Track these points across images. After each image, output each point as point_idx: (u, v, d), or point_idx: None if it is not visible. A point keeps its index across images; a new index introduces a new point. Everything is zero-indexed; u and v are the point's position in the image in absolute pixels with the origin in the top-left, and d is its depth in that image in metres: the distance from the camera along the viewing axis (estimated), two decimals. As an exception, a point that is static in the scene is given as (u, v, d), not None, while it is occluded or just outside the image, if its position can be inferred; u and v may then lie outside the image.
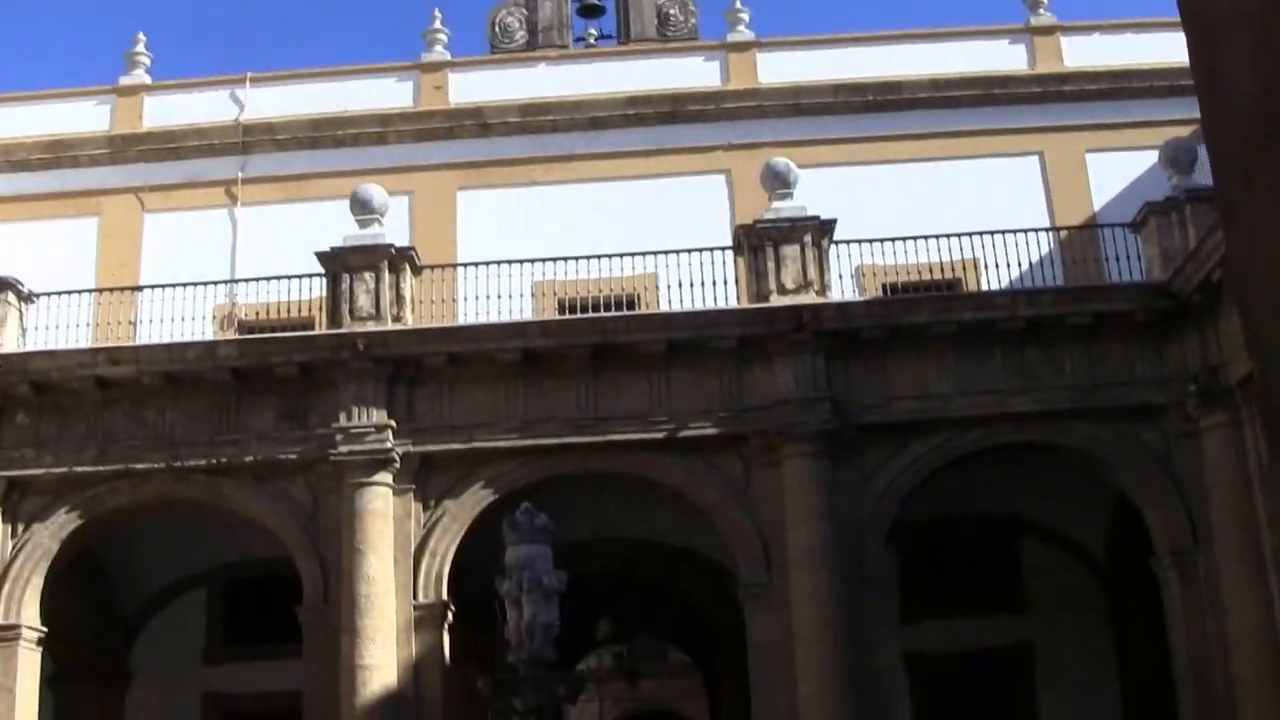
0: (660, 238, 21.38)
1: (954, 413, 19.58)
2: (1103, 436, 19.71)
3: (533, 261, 20.31)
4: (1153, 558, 19.83)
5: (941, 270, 20.86)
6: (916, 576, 25.07)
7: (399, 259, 20.11)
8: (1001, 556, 25.42)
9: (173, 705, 24.81)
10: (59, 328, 20.83)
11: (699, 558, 24.24)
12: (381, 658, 18.67)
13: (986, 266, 20.81)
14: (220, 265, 23.74)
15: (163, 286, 21.33)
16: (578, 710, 51.25)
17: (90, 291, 22.06)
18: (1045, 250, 21.69)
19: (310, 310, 20.97)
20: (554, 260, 20.33)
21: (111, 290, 22.17)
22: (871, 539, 19.30)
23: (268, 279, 20.79)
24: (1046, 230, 21.93)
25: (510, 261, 20.37)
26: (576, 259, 20.28)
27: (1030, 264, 20.94)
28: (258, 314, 22.43)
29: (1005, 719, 24.81)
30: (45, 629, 20.28)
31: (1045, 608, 24.85)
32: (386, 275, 19.99)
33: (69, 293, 21.48)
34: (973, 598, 25.06)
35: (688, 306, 20.14)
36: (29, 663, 19.88)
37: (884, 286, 21.74)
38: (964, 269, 21.09)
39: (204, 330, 21.54)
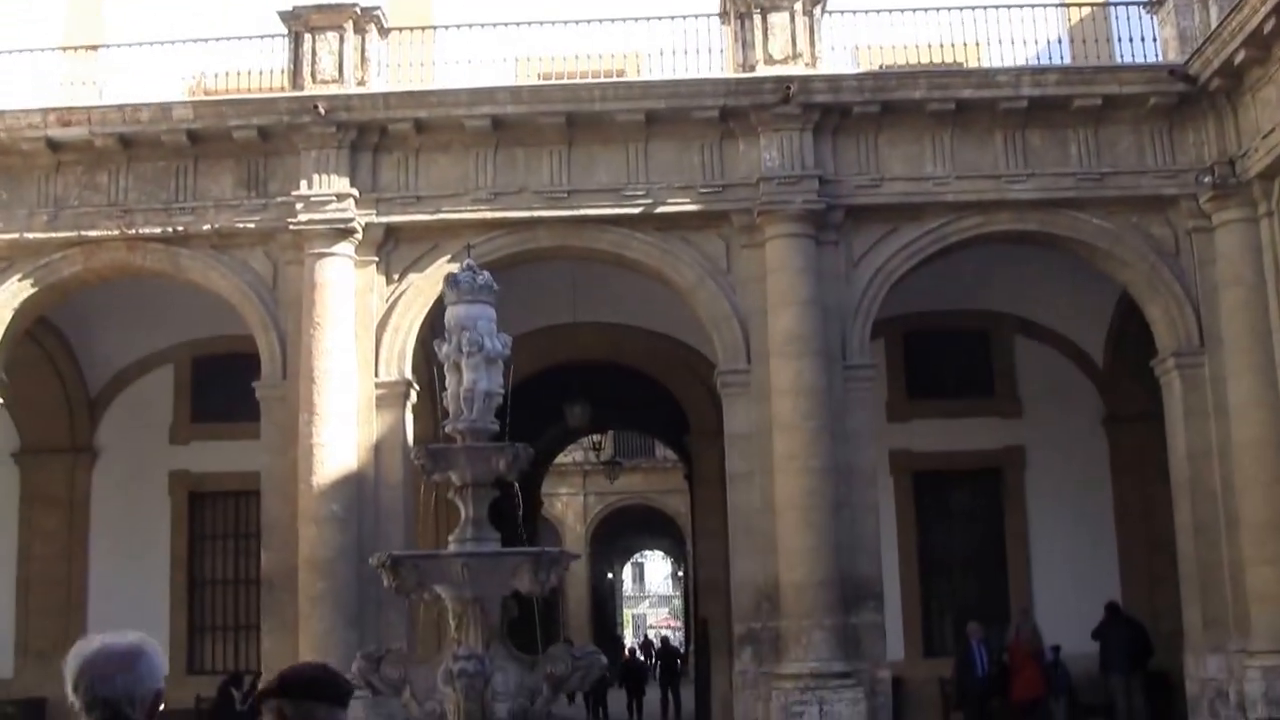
0: (648, 7, 20.05)
1: (949, 197, 18.49)
2: (1108, 229, 18.65)
3: (506, 25, 19.05)
4: (1155, 360, 18.95)
5: (942, 52, 19.61)
6: (905, 374, 24.38)
7: (364, 19, 18.86)
8: (995, 356, 24.60)
9: (140, 482, 24.30)
10: (13, 91, 19.72)
11: (679, 346, 23.45)
12: (340, 436, 17.97)
13: (990, 48, 19.49)
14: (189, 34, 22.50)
15: (122, 45, 20.19)
16: (562, 504, 51.50)
17: (46, 50, 20.88)
18: (1054, 32, 20.38)
19: (281, 81, 19.81)
20: (529, 25, 19.05)
21: (67, 50, 21.02)
22: (858, 327, 18.41)
23: (227, 39, 19.59)
24: (1056, 6, 20.54)
25: (483, 25, 19.11)
26: (554, 23, 18.98)
27: (1037, 46, 19.63)
28: (227, 90, 21.25)
29: (993, 523, 24.28)
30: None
31: (1039, 411, 24.09)
32: (351, 36, 18.77)
33: (26, 51, 20.32)
34: (964, 398, 24.32)
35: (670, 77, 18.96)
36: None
37: (880, 69, 20.47)
38: (965, 52, 19.81)
39: (171, 102, 20.40)
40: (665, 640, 45.15)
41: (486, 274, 10.78)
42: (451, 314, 10.65)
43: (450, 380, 10.34)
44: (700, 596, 28.38)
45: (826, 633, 17.61)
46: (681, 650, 44.91)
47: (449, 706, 9.33)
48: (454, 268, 18.11)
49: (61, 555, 24.43)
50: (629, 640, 52.93)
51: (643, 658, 39.55)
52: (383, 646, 9.82)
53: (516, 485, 10.24)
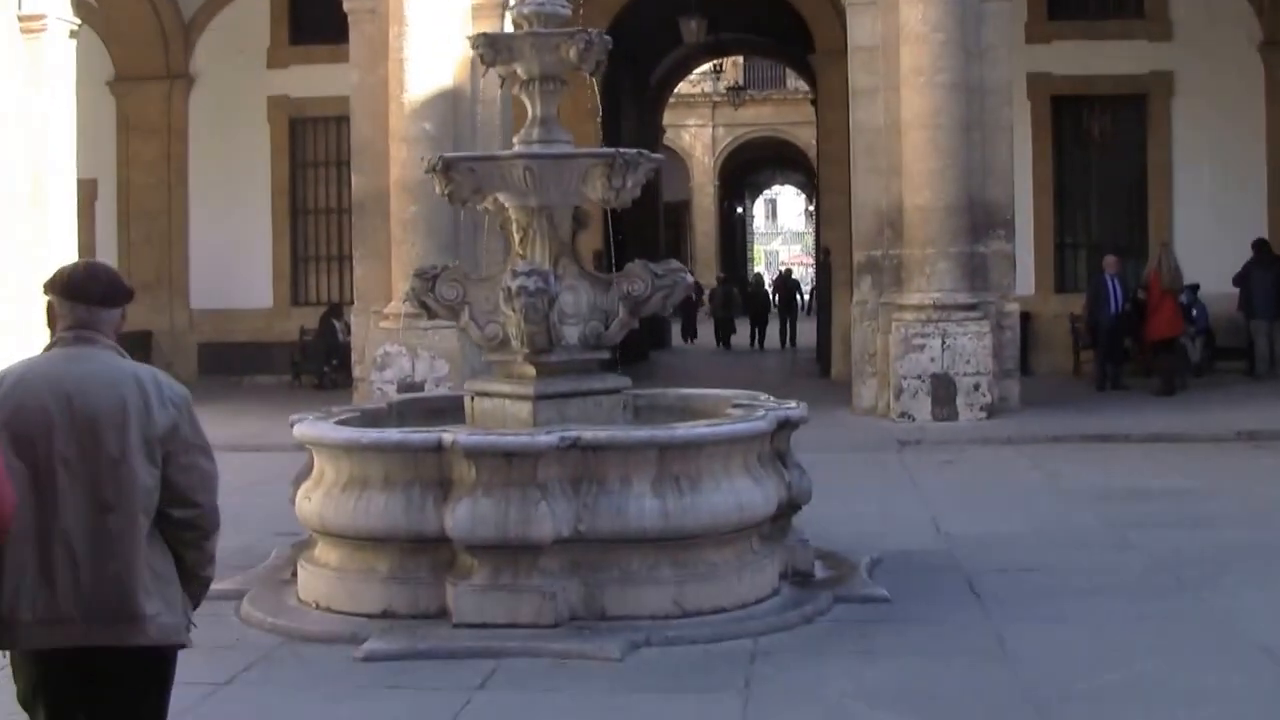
0: None
1: None
2: None
3: None
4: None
5: None
6: (1045, -12, 22.38)
7: None
8: (1147, -28, 22.42)
9: (237, 109, 23.42)
10: None
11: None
12: (432, 50, 16.72)
13: None
14: None
15: None
16: (689, 135, 50.10)
17: None
18: None
19: None
20: None
21: None
22: (995, -71, 16.54)
23: None
24: None
25: None
26: None
27: None
28: None
29: (1135, 153, 22.57)
30: (79, 21, 18.55)
31: (1191, 33, 21.99)
32: None
33: None
34: (1110, 18, 22.37)
35: None
36: (59, 54, 18.22)
37: None
38: None
39: None
40: (787, 273, 44.60)
41: None
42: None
43: (517, -39, 8.98)
44: (821, 226, 27.34)
45: (952, 262, 16.45)
46: (803, 285, 44.38)
47: (510, 330, 8.35)
48: None
49: (160, 185, 23.89)
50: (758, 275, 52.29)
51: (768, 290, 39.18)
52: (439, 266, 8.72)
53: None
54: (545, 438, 7.55)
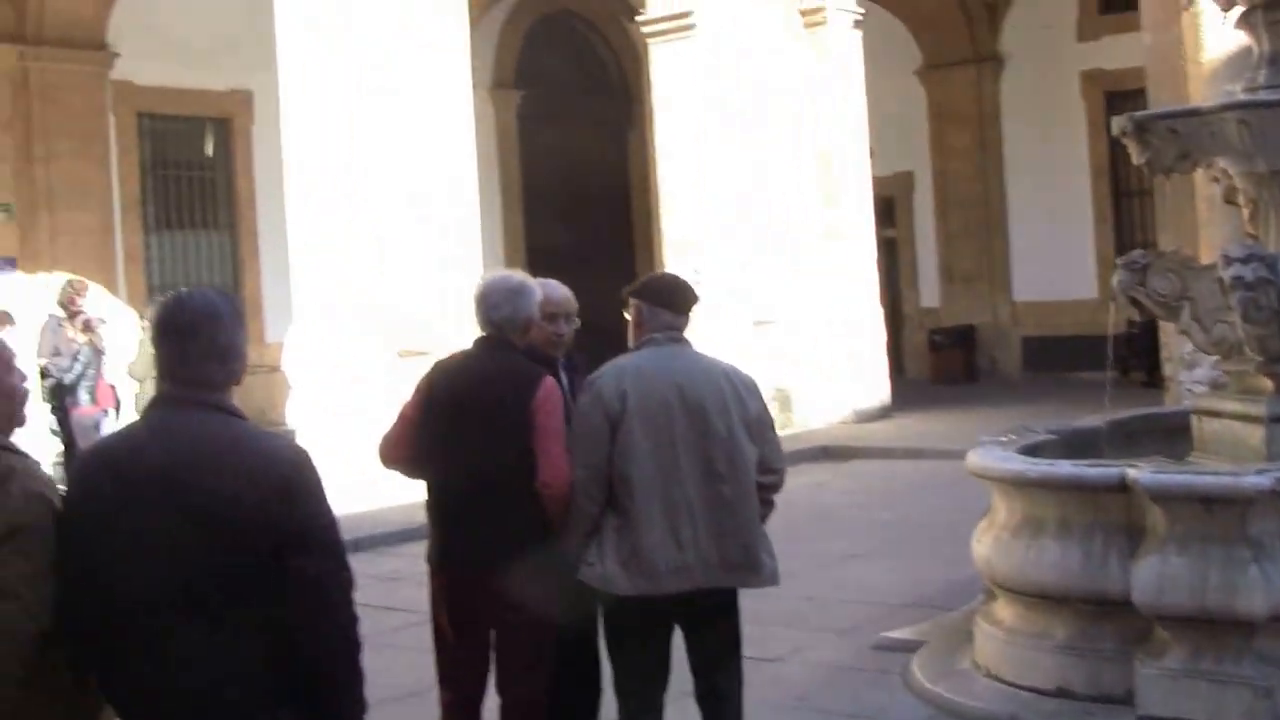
0: None
1: None
2: None
3: None
4: None
5: None
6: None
7: None
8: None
9: (1050, 87, 22.03)
10: None
11: None
12: (1230, -2, 14.49)
13: None
14: None
15: None
16: None
17: None
18: None
19: None
20: None
21: None
22: None
23: None
24: None
25: None
26: None
27: None
28: None
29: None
30: (861, 11, 18.11)
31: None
32: None
33: None
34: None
35: None
36: (846, 45, 17.87)
37: None
38: None
39: None
40: None
41: None
42: None
43: None
44: None
45: None
46: None
47: (1240, 332, 6.47)
48: None
49: (976, 173, 23.04)
50: None
51: None
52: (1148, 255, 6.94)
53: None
54: (1255, 479, 5.65)
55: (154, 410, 3.42)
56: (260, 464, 3.26)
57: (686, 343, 5.12)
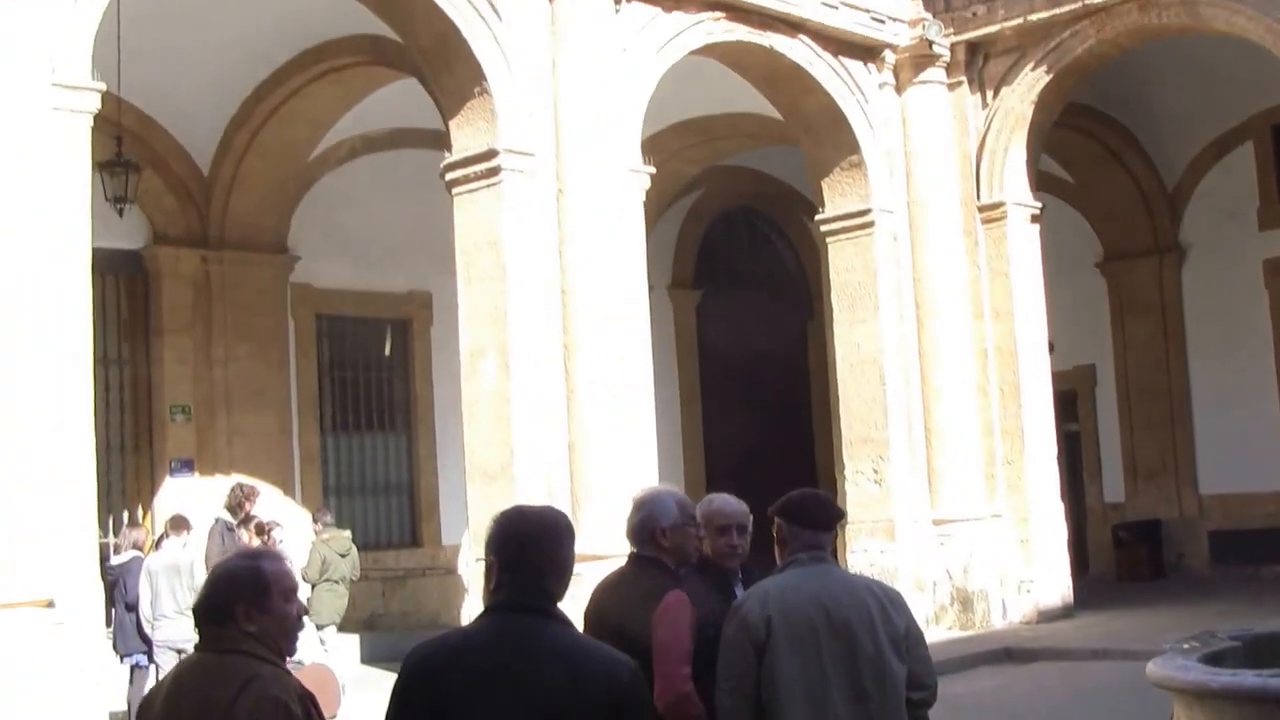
0: None
1: None
2: None
3: None
4: None
5: None
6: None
7: None
8: None
9: (1231, 275, 21.68)
10: None
11: None
12: None
13: None
14: None
15: None
16: None
17: None
18: None
19: None
20: None
21: None
22: None
23: None
24: None
25: None
26: None
27: None
28: None
29: None
30: (1039, 205, 18.13)
31: None
32: None
33: None
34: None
35: None
36: (1024, 239, 17.88)
37: None
38: None
39: None
40: None
41: None
42: None
43: None
44: None
45: None
46: None
47: None
48: None
49: (1158, 365, 22.64)
50: None
51: None
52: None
53: None
54: None
55: (490, 615, 3.69)
56: (600, 670, 3.54)
57: (831, 561, 5.15)
